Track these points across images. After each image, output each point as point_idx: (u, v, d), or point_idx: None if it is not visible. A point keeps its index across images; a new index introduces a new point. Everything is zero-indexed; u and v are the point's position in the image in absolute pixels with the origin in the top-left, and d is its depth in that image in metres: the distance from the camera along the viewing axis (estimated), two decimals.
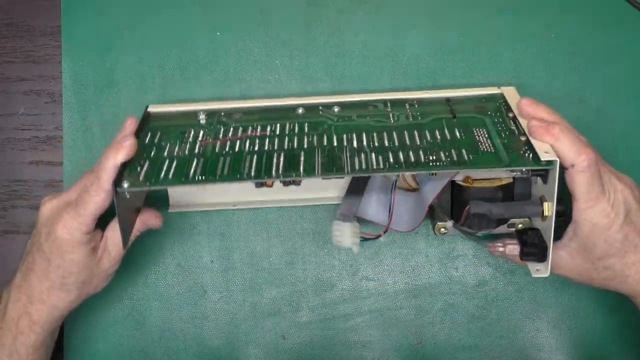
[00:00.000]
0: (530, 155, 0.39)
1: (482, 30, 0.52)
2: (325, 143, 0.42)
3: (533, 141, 0.40)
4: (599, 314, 0.51)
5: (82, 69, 0.52)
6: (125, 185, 0.39)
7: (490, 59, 0.52)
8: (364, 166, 0.39)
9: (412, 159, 0.40)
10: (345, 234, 0.45)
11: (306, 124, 0.45)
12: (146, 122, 0.46)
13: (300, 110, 0.46)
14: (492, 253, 0.44)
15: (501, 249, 0.43)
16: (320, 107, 0.47)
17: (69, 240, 0.41)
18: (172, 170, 0.40)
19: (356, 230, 0.46)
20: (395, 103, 0.47)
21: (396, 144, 0.42)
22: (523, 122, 0.42)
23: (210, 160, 0.41)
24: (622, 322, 0.50)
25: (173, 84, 0.52)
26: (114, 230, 0.44)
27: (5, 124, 0.52)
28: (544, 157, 0.39)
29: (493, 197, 0.43)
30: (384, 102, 0.47)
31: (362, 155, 0.41)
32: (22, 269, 0.44)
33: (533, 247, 0.42)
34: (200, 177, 0.39)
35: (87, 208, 0.41)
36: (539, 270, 0.42)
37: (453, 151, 0.41)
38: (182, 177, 0.39)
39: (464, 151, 0.41)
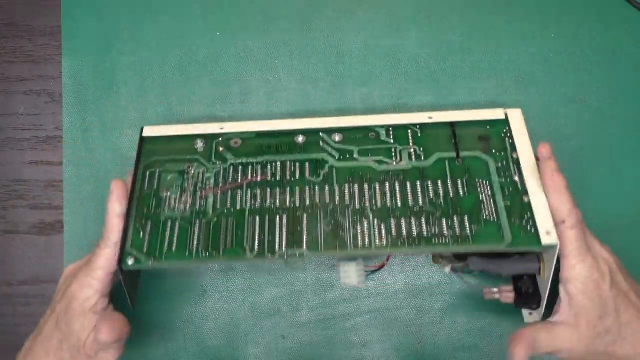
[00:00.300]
0: (532, 230, 0.40)
1: (482, 30, 0.52)
2: (327, 198, 0.42)
3: (535, 209, 0.40)
4: None
5: (82, 69, 0.52)
6: (130, 262, 0.40)
7: (490, 59, 0.52)
8: (367, 241, 0.40)
9: (415, 232, 0.40)
10: (352, 274, 0.46)
11: (307, 164, 0.44)
12: (142, 153, 0.45)
13: (300, 139, 0.45)
14: (487, 299, 0.45)
15: (497, 297, 0.44)
16: (321, 134, 0.45)
17: (80, 297, 0.41)
18: (175, 239, 0.41)
19: (361, 268, 0.46)
20: (397, 129, 0.45)
21: (399, 204, 0.41)
22: (526, 170, 0.42)
23: (213, 224, 0.41)
24: None
25: (173, 84, 0.52)
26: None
27: (5, 124, 0.52)
28: (544, 241, 0.39)
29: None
30: (386, 128, 0.45)
31: (365, 223, 0.41)
32: (34, 333, 0.43)
33: (528, 296, 0.43)
34: (204, 254, 0.40)
35: (98, 262, 0.41)
36: (532, 315, 0.43)
37: (455, 219, 0.41)
38: (186, 252, 0.40)
39: (466, 219, 0.40)
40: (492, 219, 0.40)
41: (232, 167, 0.44)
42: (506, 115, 0.45)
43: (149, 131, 0.46)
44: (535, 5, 0.52)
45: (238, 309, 0.51)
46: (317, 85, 0.52)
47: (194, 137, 0.45)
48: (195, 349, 0.51)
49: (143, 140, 0.45)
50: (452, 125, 0.45)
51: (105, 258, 0.41)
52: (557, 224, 0.40)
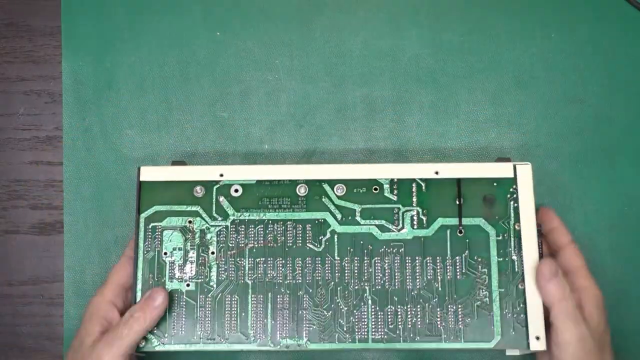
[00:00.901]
0: (522, 327, 0.41)
1: (482, 30, 0.52)
2: (328, 274, 0.43)
3: (529, 305, 0.42)
4: None
5: (82, 69, 0.52)
6: (141, 344, 0.42)
7: (490, 59, 0.52)
8: (364, 334, 0.42)
9: (410, 323, 0.42)
10: None
11: (308, 228, 0.44)
12: (142, 201, 0.44)
13: (302, 190, 0.45)
14: None
15: None
16: (324, 185, 0.45)
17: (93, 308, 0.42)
18: (182, 319, 0.43)
19: None
20: (402, 182, 0.45)
21: (397, 284, 0.43)
22: (525, 243, 0.43)
23: (217, 301, 0.43)
24: (620, 322, 0.50)
25: (173, 84, 0.52)
26: None
27: (5, 124, 0.52)
28: (533, 347, 0.41)
29: None
30: (390, 181, 0.45)
31: (364, 309, 0.42)
32: None
33: None
34: (211, 339, 0.42)
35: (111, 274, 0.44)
36: (513, 351, 0.44)
37: (450, 310, 0.42)
38: (194, 336, 0.42)
39: (459, 312, 0.42)
40: (485, 308, 0.42)
41: (233, 226, 0.44)
42: (515, 169, 0.44)
43: (147, 173, 0.45)
44: (535, 6, 0.52)
45: None
46: (317, 85, 0.52)
47: (193, 184, 0.45)
48: None
49: (141, 184, 0.45)
50: (459, 183, 0.44)
51: (119, 272, 0.44)
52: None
